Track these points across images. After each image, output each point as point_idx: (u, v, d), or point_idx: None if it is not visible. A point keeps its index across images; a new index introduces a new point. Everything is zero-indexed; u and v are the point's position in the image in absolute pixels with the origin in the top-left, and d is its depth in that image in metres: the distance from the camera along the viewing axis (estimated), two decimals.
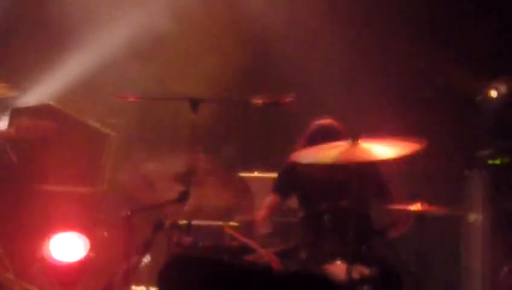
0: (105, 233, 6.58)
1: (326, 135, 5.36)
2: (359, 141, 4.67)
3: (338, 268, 4.69)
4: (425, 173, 6.53)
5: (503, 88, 6.78)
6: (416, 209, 5.07)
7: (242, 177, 6.53)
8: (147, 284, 5.62)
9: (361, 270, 4.70)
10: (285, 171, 5.72)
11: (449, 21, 7.42)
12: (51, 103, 6.86)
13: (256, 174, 6.81)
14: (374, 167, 5.45)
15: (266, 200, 5.85)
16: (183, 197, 4.97)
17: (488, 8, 7.37)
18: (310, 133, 5.63)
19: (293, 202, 6.19)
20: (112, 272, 5.19)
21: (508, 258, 6.10)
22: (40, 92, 7.22)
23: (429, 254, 5.69)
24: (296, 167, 5.51)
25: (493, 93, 6.79)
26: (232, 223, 6.38)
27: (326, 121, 5.63)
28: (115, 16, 7.73)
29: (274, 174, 6.15)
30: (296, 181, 5.62)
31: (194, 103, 5.04)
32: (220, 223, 6.33)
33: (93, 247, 6.36)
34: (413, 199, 5.19)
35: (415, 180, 6.27)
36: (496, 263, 6.28)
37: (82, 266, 6.33)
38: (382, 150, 4.53)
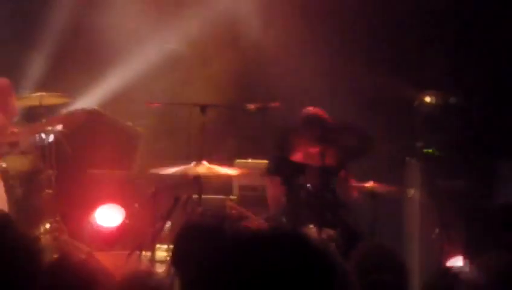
0: (137, 205, 6.87)
1: (320, 120, 5.95)
2: None
3: (311, 231, 5.21)
4: (377, 159, 6.65)
5: (434, 96, 7.18)
6: (369, 186, 5.83)
7: (239, 163, 6.94)
8: (169, 244, 5.64)
9: (328, 232, 5.31)
10: (273, 159, 6.16)
11: (400, 47, 7.72)
12: (96, 107, 7.38)
13: (249, 160, 7.11)
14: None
15: (268, 183, 6.28)
16: (196, 180, 5.65)
17: (431, 37, 7.69)
18: (307, 118, 6.05)
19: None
20: (143, 235, 6.07)
21: (438, 223, 6.43)
22: (87, 99, 7.69)
23: (379, 221, 5.87)
24: (281, 156, 6.01)
25: (427, 99, 7.21)
26: (231, 197, 6.83)
27: (316, 109, 6.13)
28: (141, 41, 7.82)
29: (263, 161, 6.63)
30: (281, 166, 6.00)
31: (203, 108, 5.76)
32: (223, 197, 6.80)
33: (128, 216, 6.87)
34: (367, 179, 5.95)
35: (369, 164, 6.50)
36: (429, 227, 6.56)
37: (120, 230, 6.86)
38: None
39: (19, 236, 2.79)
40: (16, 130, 6.52)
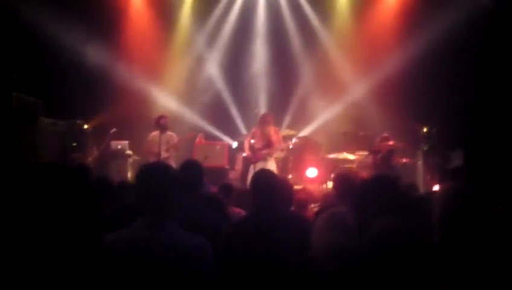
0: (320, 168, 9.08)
1: (386, 139, 8.49)
2: None
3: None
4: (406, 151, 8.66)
5: (427, 128, 9.28)
6: (405, 161, 8.55)
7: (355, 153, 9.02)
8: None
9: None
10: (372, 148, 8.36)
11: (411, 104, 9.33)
12: (306, 135, 10.23)
13: (360, 152, 9.28)
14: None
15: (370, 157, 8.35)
16: (342, 160, 8.60)
17: None
18: (381, 138, 8.53)
19: None
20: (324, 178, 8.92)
21: (429, 173, 8.55)
22: (304, 131, 10.31)
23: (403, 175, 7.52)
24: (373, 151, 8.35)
25: (424, 129, 9.44)
26: (352, 166, 8.81)
27: (384, 136, 8.52)
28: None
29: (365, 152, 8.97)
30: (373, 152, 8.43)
31: (344, 133, 9.19)
32: (349, 166, 8.91)
33: (318, 172, 9.16)
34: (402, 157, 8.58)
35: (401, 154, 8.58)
36: (426, 175, 8.96)
37: (316, 178, 9.09)
38: None
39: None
40: (284, 145, 8.90)
